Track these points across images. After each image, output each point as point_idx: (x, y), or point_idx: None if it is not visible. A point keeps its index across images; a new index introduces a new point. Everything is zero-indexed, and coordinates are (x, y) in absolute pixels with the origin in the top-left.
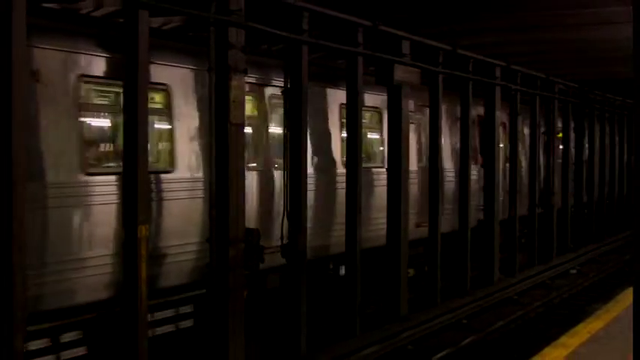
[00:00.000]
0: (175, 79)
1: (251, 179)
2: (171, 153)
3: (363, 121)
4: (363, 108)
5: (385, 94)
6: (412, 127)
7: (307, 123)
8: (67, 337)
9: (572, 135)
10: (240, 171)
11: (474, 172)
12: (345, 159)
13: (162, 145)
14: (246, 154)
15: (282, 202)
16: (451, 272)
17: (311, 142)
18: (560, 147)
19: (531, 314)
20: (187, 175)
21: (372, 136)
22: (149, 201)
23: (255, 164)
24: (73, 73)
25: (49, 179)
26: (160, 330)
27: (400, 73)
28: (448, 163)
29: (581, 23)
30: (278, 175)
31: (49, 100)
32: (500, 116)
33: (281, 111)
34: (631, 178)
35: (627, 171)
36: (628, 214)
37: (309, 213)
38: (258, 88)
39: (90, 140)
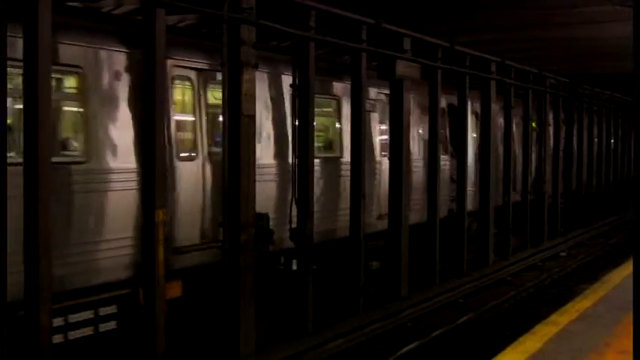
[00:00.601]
0: (89, 62)
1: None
2: (87, 141)
3: (322, 109)
4: (320, 96)
5: (345, 82)
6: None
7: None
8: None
9: (563, 127)
10: (250, 159)
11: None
12: (295, 148)
13: (76, 133)
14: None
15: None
16: (449, 255)
17: (263, 131)
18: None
19: (524, 294)
20: (109, 165)
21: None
22: (166, 187)
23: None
24: None
25: None
26: (75, 334)
27: (402, 68)
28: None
29: (571, 22)
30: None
31: None
32: (473, 106)
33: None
34: (618, 167)
35: (613, 160)
36: (614, 200)
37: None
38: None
39: None
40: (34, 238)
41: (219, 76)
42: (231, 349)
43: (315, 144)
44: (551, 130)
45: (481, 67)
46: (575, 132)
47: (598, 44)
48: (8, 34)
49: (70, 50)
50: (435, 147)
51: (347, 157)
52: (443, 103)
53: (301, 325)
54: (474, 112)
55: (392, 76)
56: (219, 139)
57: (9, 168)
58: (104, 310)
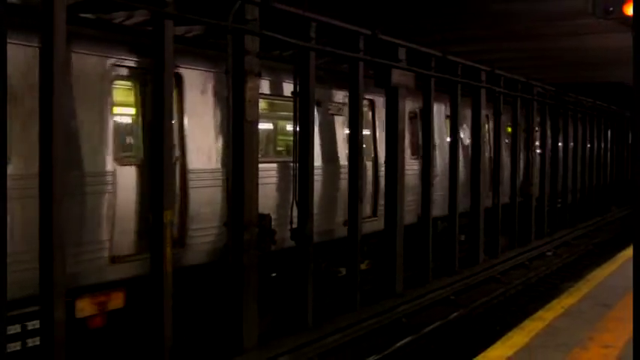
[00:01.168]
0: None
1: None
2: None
3: (280, 113)
4: (279, 98)
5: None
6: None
7: (314, 121)
8: None
9: (549, 132)
10: (253, 163)
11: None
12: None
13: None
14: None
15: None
16: (441, 254)
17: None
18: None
19: (512, 291)
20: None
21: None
22: (173, 189)
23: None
24: None
25: None
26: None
27: (397, 76)
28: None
29: (557, 34)
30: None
31: None
32: (444, 110)
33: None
34: (601, 171)
35: (596, 164)
36: (597, 202)
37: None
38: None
39: None
40: (48, 235)
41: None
42: (235, 344)
43: (278, 148)
44: (538, 135)
45: (472, 76)
46: (560, 137)
47: (582, 54)
48: None
49: None
50: (429, 151)
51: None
52: (415, 106)
53: (301, 320)
54: (447, 116)
55: (387, 84)
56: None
57: None
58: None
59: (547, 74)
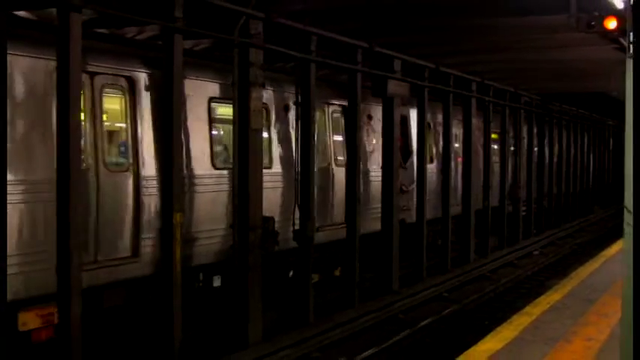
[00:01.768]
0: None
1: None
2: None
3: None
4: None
5: (272, 90)
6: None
7: (315, 128)
8: None
9: (535, 139)
10: (258, 168)
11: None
12: (212, 157)
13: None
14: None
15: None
16: (434, 254)
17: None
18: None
19: (501, 288)
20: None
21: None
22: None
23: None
24: None
25: None
26: None
27: (392, 86)
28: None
29: (543, 46)
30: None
31: None
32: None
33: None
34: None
35: (580, 169)
36: (580, 204)
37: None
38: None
39: None
40: (66, 235)
41: None
42: (240, 338)
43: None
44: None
45: (463, 86)
46: (546, 143)
47: (566, 66)
48: None
49: None
50: (423, 156)
51: (277, 167)
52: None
53: (303, 316)
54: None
55: (384, 94)
56: (123, 148)
57: None
58: None
59: (534, 84)
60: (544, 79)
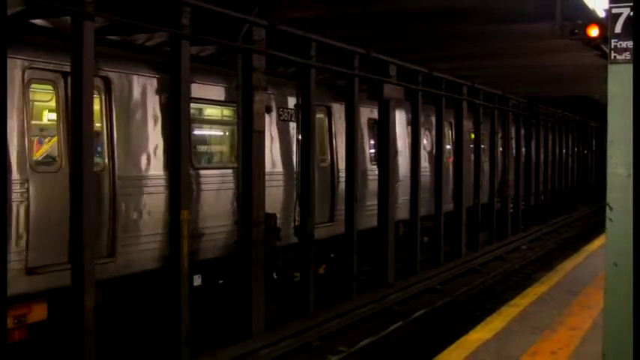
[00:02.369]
0: None
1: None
2: None
3: (207, 117)
4: (207, 103)
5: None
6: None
7: (315, 130)
8: None
9: (523, 140)
10: (260, 167)
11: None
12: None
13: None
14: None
15: None
16: (427, 248)
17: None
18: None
19: (490, 281)
20: None
21: (214, 133)
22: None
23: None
24: None
25: None
26: None
27: (388, 90)
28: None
29: (529, 52)
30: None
31: None
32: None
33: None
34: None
35: (565, 168)
36: (564, 202)
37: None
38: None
39: None
40: (79, 232)
41: None
42: (244, 328)
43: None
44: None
45: (455, 90)
46: (533, 144)
47: (551, 71)
48: None
49: None
50: (417, 157)
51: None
52: (375, 113)
53: (303, 308)
54: (409, 123)
55: (380, 97)
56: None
57: None
58: None
59: (521, 88)
60: (530, 83)
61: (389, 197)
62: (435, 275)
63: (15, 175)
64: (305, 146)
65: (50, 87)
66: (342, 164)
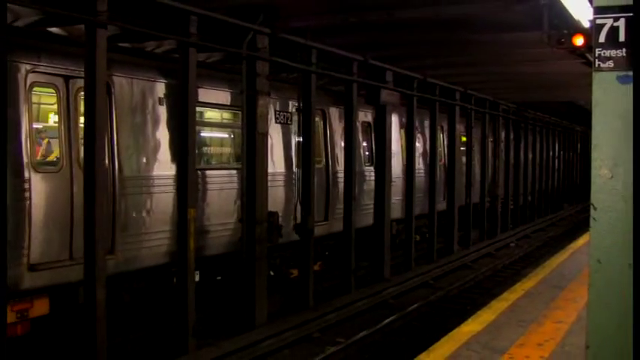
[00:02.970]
0: None
1: None
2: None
3: (214, 121)
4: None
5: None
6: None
7: (315, 133)
8: None
9: (512, 143)
10: (263, 168)
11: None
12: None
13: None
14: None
15: None
16: (419, 246)
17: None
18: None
19: (481, 276)
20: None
21: (214, 135)
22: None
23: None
24: None
25: None
26: None
27: (385, 95)
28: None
29: (519, 60)
30: None
31: None
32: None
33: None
34: (555, 175)
35: (552, 170)
36: (551, 201)
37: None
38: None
39: None
40: (91, 229)
41: None
42: (247, 321)
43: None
44: (503, 145)
45: (448, 95)
46: (521, 147)
47: (539, 77)
48: None
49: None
50: (412, 159)
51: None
52: (369, 117)
53: (303, 301)
54: (403, 126)
55: (377, 102)
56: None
57: None
58: None
59: (510, 94)
60: (519, 89)
61: (385, 197)
62: (428, 271)
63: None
64: (306, 148)
65: (52, 90)
66: (337, 166)
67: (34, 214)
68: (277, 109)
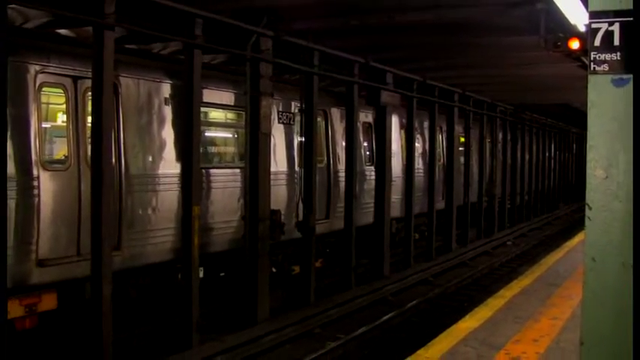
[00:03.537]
0: None
1: None
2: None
3: (219, 120)
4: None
5: (235, 91)
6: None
7: (316, 132)
8: None
9: (509, 144)
10: (267, 167)
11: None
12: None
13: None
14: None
15: None
16: (421, 243)
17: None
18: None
19: (478, 274)
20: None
21: (219, 134)
22: (200, 188)
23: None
24: None
25: None
26: None
27: (385, 97)
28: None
29: (516, 63)
30: None
31: None
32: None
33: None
34: (551, 175)
35: (547, 170)
36: (547, 201)
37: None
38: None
39: None
40: (98, 226)
41: None
42: (250, 316)
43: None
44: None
45: (447, 97)
46: (518, 148)
47: (536, 80)
48: None
49: None
50: (412, 159)
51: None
52: (369, 118)
53: (304, 297)
54: (403, 126)
55: (377, 103)
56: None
57: None
58: None
59: (508, 95)
60: (517, 91)
61: (385, 196)
62: (427, 268)
63: (25, 172)
64: (308, 147)
65: (61, 90)
66: (338, 165)
67: (42, 211)
68: (280, 109)
